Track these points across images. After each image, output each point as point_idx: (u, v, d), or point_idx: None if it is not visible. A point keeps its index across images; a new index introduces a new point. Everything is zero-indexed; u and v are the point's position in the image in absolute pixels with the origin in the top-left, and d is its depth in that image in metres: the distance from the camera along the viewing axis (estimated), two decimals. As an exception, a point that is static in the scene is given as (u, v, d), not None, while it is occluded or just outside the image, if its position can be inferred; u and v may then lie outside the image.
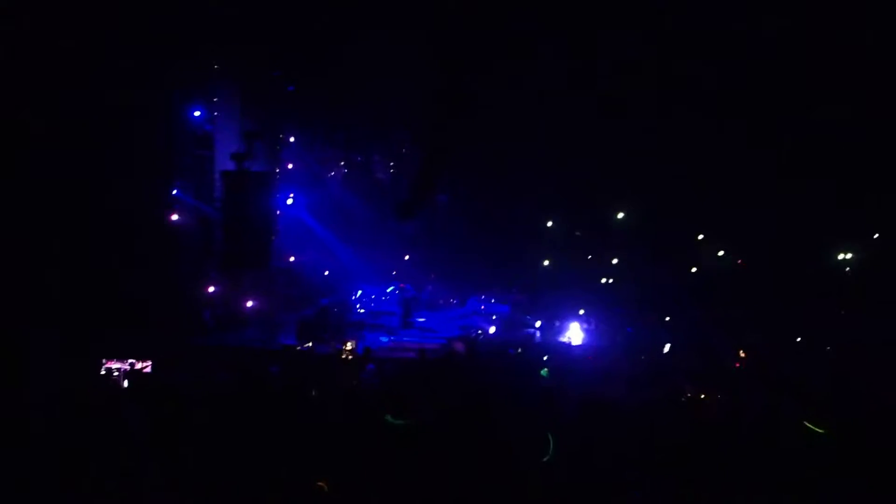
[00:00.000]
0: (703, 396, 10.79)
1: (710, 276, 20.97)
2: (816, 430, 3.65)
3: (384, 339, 15.99)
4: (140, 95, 11.78)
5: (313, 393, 7.60)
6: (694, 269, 21.47)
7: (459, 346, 15.11)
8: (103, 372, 9.73)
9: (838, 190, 15.86)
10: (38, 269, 10.49)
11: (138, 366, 10.00)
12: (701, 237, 21.57)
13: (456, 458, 3.06)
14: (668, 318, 19.02)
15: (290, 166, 18.66)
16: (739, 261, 20.14)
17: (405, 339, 16.27)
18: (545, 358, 13.71)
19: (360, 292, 18.40)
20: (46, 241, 10.54)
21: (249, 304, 16.32)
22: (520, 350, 13.93)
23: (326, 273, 19.49)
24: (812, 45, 12.22)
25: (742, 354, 14.45)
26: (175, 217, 13.99)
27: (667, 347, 15.77)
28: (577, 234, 22.31)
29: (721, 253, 21.22)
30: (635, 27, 12.09)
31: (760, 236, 18.80)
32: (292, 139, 18.30)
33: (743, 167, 16.75)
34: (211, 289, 14.93)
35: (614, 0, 11.52)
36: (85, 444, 3.86)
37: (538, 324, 19.15)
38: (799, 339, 15.51)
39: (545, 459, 3.38)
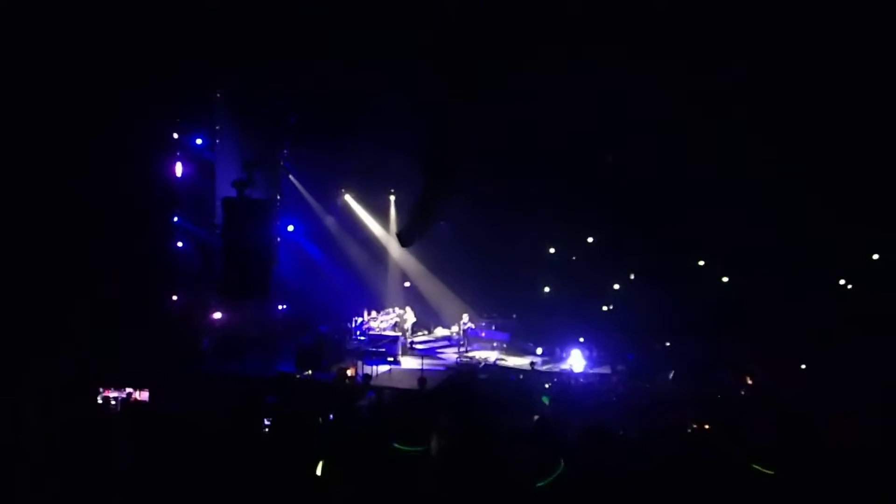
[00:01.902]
0: (706, 427, 10.69)
1: (712, 303, 20.96)
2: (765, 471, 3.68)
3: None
4: (141, 123, 11.91)
5: (318, 420, 7.53)
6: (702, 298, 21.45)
7: (460, 374, 15.07)
8: (100, 401, 9.66)
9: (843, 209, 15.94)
10: (35, 297, 10.49)
11: (135, 395, 9.95)
12: (702, 263, 21.60)
13: (460, 484, 3.03)
14: (668, 344, 18.92)
15: (290, 194, 18.75)
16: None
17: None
18: (547, 385, 13.65)
19: (359, 319, 18.35)
20: (46, 268, 10.55)
21: (248, 332, 16.26)
22: (521, 376, 13.83)
23: (325, 300, 19.45)
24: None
25: (749, 381, 14.36)
26: (176, 244, 14.05)
27: (671, 375, 15.67)
28: (574, 258, 22.35)
29: (726, 279, 21.22)
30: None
31: (762, 261, 18.80)
32: (292, 167, 18.43)
33: (742, 188, 16.86)
34: (212, 316, 14.89)
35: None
36: (80, 474, 3.82)
37: (539, 350, 19.10)
38: (804, 367, 15.43)
39: (548, 481, 3.35)
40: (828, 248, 17.93)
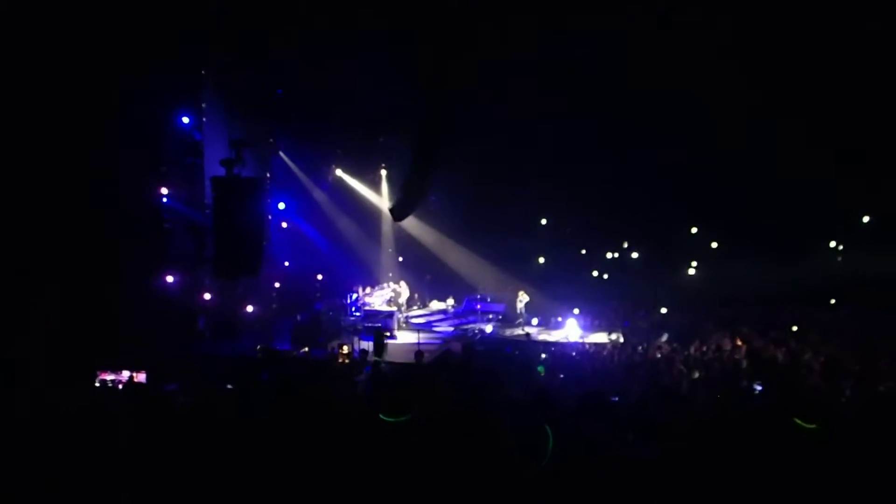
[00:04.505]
0: (697, 375, 10.82)
1: (706, 270, 21.07)
2: (806, 425, 3.56)
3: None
4: (127, 103, 11.74)
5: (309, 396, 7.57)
6: (694, 266, 21.48)
7: (456, 346, 15.13)
8: (98, 384, 9.67)
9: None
10: (29, 280, 10.43)
11: (134, 377, 9.96)
12: (695, 230, 21.63)
13: (450, 455, 3.04)
14: (664, 311, 19.03)
15: (282, 170, 18.60)
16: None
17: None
18: (543, 356, 13.73)
19: (354, 295, 18.37)
20: (37, 251, 10.48)
21: (244, 310, 16.25)
22: (517, 353, 13.93)
23: (320, 277, 19.43)
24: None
25: (739, 343, 14.47)
26: (166, 225, 13.96)
27: (664, 337, 15.80)
28: (569, 230, 22.34)
29: (715, 245, 21.27)
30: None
31: (757, 227, 18.82)
32: (282, 144, 18.23)
33: (738, 156, 16.78)
34: (205, 297, 14.86)
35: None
36: (78, 460, 3.81)
37: (535, 321, 19.20)
38: (795, 329, 15.56)
39: (545, 455, 3.35)
40: (819, 210, 18.02)
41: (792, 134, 15.24)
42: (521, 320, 19.01)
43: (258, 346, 13.20)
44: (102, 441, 4.01)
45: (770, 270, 17.58)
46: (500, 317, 19.59)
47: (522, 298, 19.17)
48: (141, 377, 9.98)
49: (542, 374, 11.40)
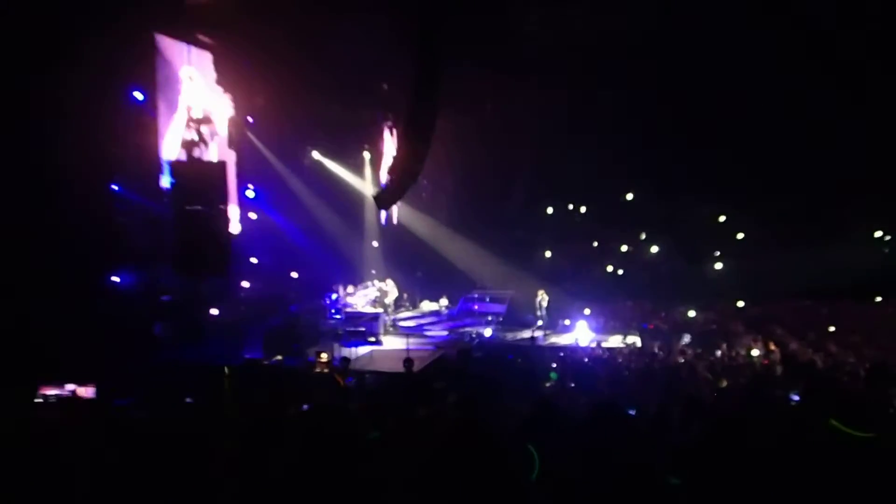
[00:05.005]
0: (724, 384, 10.87)
1: (733, 263, 21.10)
2: (849, 431, 3.52)
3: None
4: (66, 74, 11.58)
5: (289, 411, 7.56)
6: (718, 258, 21.48)
7: (451, 353, 15.14)
8: (39, 400, 9.59)
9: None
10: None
11: (80, 391, 9.89)
12: (723, 219, 21.66)
13: (445, 476, 3.03)
14: (687, 312, 19.08)
15: (250, 154, 18.49)
16: None
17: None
18: (554, 365, 13.76)
19: (334, 296, 18.35)
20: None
21: (208, 314, 16.18)
22: (520, 360, 13.97)
23: (295, 275, 19.38)
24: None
25: (773, 348, 14.55)
26: (118, 217, 13.85)
27: (686, 339, 15.87)
28: (578, 220, 22.36)
29: (741, 236, 21.29)
30: None
31: (791, 214, 18.85)
32: (252, 121, 18.11)
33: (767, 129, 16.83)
34: (163, 298, 14.78)
35: None
36: (13, 484, 3.79)
37: (540, 323, 19.23)
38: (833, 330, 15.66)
39: (532, 477, 3.35)
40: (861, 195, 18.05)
41: (826, 106, 15.30)
42: (541, 323, 18.98)
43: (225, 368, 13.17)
44: (42, 463, 3.99)
45: (805, 263, 17.60)
46: (501, 318, 19.61)
47: (543, 299, 19.17)
48: (89, 391, 9.92)
49: (553, 382, 11.47)
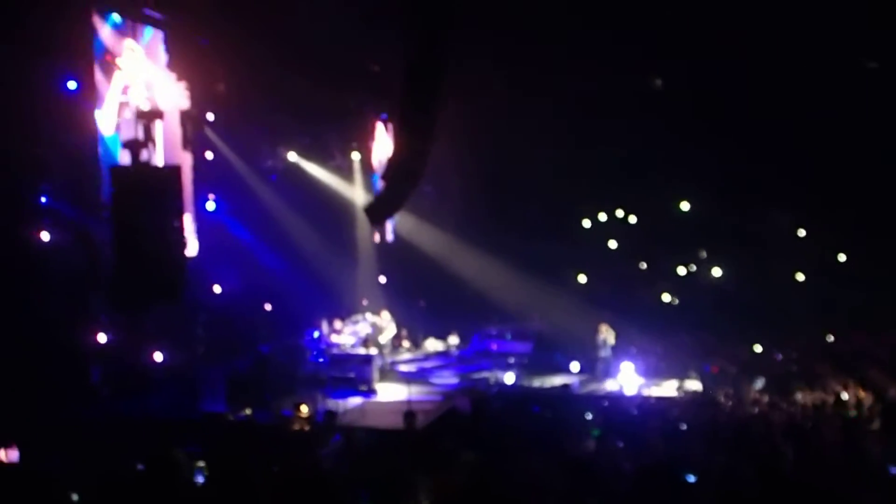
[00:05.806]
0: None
1: (815, 288, 20.98)
2: None
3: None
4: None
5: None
6: (801, 278, 21.37)
7: (463, 404, 15.08)
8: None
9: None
10: None
11: (1, 455, 9.92)
12: (802, 233, 21.60)
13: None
14: (759, 349, 18.99)
15: (209, 156, 18.60)
16: None
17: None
18: (589, 417, 13.68)
19: (317, 333, 18.33)
20: None
21: (157, 356, 16.17)
22: (549, 414, 13.93)
23: (268, 307, 19.39)
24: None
25: (863, 395, 14.41)
26: (44, 235, 13.90)
27: (759, 383, 15.77)
28: (618, 234, 22.39)
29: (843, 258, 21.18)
30: None
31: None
32: (212, 117, 18.24)
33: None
34: (100, 337, 14.80)
35: None
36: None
37: (575, 366, 19.11)
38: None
39: None
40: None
41: None
42: (603, 366, 18.88)
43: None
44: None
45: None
46: (527, 360, 19.54)
47: (609, 335, 19.08)
48: (12, 454, 9.96)
49: (594, 440, 11.40)
